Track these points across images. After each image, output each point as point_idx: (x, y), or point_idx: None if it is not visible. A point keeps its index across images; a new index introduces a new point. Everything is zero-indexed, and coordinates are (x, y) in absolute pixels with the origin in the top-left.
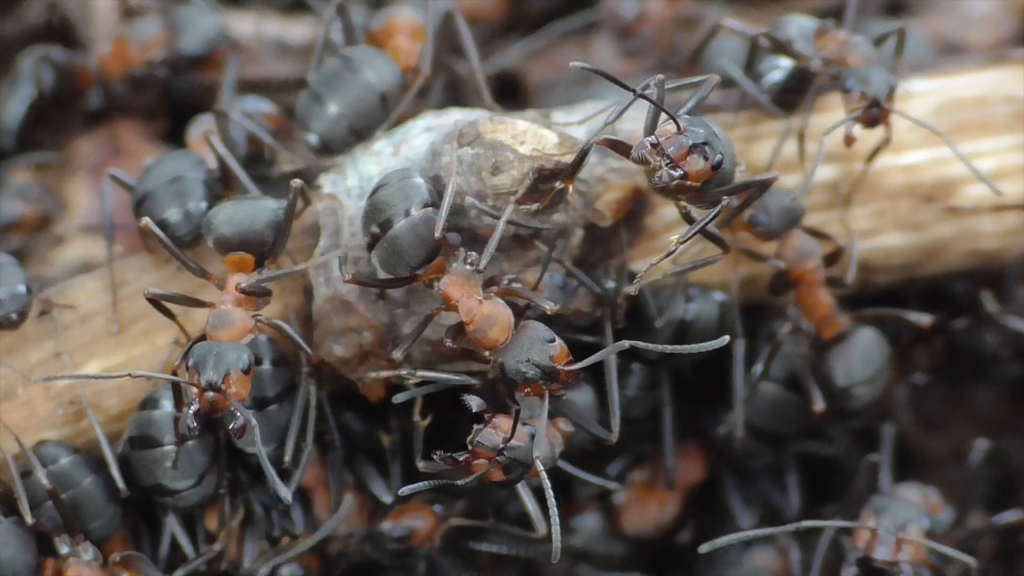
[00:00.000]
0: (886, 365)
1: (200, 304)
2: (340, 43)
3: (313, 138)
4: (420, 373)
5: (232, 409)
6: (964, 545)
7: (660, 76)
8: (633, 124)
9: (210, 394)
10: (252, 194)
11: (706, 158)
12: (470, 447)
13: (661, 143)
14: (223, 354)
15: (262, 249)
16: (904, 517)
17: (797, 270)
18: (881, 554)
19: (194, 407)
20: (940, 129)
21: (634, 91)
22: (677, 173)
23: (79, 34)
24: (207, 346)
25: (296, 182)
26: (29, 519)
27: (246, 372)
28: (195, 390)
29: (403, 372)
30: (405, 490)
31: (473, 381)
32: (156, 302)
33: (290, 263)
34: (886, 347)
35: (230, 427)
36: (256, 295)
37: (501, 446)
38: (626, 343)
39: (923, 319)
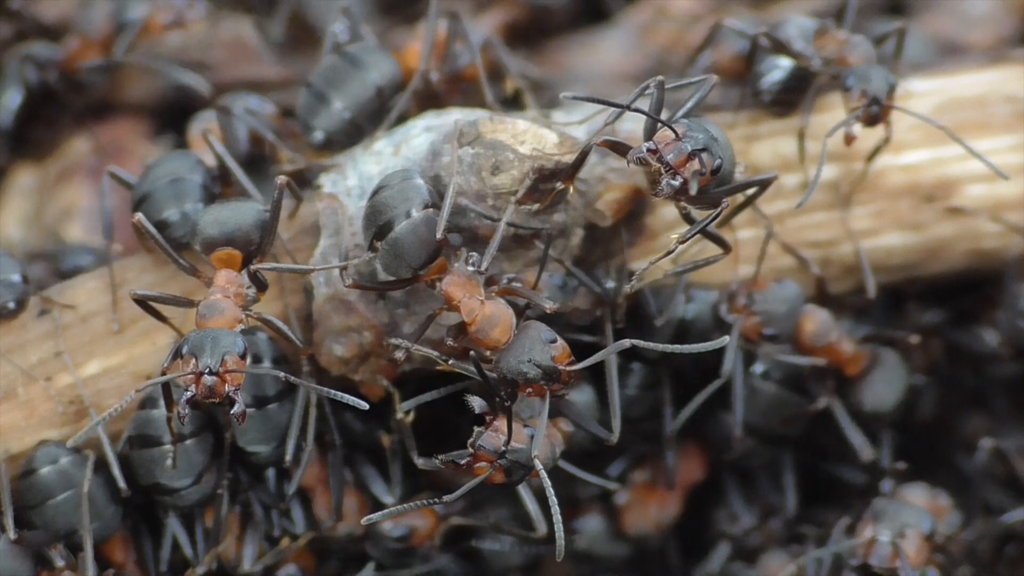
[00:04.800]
0: (908, 380)
1: (190, 304)
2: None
3: (319, 135)
4: (452, 362)
5: (230, 394)
6: (972, 547)
7: (660, 77)
8: (634, 124)
9: (208, 379)
10: (242, 196)
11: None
12: (472, 450)
13: (660, 149)
14: (219, 338)
15: (249, 248)
16: (903, 522)
17: (823, 349)
18: (878, 561)
19: (188, 394)
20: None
21: (623, 106)
22: (677, 182)
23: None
24: (201, 332)
25: (281, 179)
26: (12, 535)
27: (242, 357)
28: (191, 376)
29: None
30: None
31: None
32: (143, 303)
33: (291, 263)
34: (904, 364)
35: (232, 412)
36: (258, 285)
37: (503, 449)
38: (627, 342)
39: (913, 338)
